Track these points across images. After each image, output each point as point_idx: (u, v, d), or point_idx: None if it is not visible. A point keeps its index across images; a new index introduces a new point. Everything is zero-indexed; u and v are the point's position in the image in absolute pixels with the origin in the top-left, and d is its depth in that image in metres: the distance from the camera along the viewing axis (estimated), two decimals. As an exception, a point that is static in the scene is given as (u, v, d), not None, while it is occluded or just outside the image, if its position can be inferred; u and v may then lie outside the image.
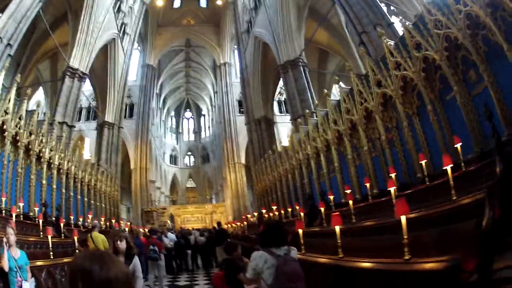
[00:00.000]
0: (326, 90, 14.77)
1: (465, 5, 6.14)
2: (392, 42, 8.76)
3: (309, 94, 20.78)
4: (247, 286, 4.44)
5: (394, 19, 14.32)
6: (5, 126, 9.88)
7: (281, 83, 28.33)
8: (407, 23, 8.09)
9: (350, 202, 8.96)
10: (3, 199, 8.99)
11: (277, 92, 31.04)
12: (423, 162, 7.24)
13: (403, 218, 4.01)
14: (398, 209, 4.15)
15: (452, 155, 6.14)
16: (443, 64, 6.82)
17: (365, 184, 9.41)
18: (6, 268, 4.91)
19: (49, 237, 7.31)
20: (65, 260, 7.86)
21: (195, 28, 43.77)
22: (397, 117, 8.71)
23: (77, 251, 8.41)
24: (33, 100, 26.51)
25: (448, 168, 5.71)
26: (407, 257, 3.93)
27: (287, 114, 34.77)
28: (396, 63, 8.19)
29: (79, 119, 36.19)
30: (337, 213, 5.60)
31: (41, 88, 30.08)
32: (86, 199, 16.15)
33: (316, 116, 13.68)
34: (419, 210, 5.31)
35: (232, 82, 40.87)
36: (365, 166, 10.09)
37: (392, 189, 6.92)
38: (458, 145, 6.22)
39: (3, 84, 10.07)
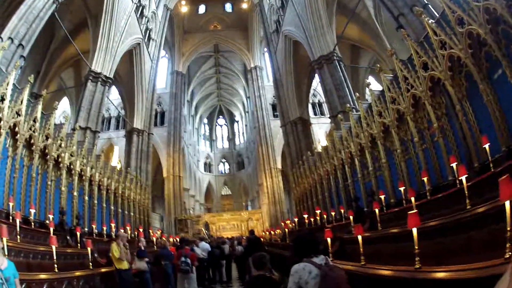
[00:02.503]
0: (367, 80, 13.53)
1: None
2: (432, 20, 8.02)
3: (346, 89, 19.70)
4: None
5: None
6: (17, 129, 9.17)
7: (314, 83, 27.61)
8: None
9: (412, 199, 7.73)
10: (11, 204, 8.16)
11: (310, 94, 29.95)
12: (486, 146, 6.18)
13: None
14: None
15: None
16: (488, 38, 6.15)
17: (423, 178, 8.17)
18: None
19: (53, 247, 6.31)
20: (77, 273, 6.88)
21: (222, 33, 43.51)
22: (447, 103, 7.82)
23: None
24: (59, 111, 26.49)
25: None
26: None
27: (322, 116, 34.34)
28: (441, 42, 7.43)
29: (109, 128, 36.65)
30: (415, 211, 4.69)
31: (65, 99, 30.30)
32: (112, 207, 15.32)
33: (357, 111, 12.45)
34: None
35: (264, 85, 40.46)
36: (414, 160, 9.17)
37: (463, 179, 5.87)
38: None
39: (14, 85, 9.35)
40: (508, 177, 3.40)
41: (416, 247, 4.16)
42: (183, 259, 10.38)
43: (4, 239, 5.33)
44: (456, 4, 6.89)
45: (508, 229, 3.22)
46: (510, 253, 3.17)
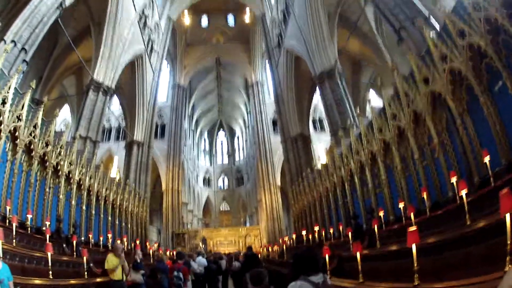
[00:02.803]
0: (368, 95, 13.58)
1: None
2: (433, 33, 8.09)
3: (347, 105, 19.67)
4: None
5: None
6: (17, 133, 9.13)
7: (315, 99, 27.63)
8: (446, 10, 7.49)
9: (412, 215, 7.61)
10: (8, 207, 8.09)
11: (311, 109, 30.01)
12: (486, 160, 6.07)
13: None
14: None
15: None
16: (488, 50, 6.07)
17: (423, 195, 8.07)
18: None
19: (49, 254, 6.27)
20: (72, 282, 6.80)
21: (224, 46, 43.78)
22: (447, 117, 7.71)
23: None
24: (60, 118, 26.53)
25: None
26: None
27: (322, 132, 34.30)
28: (442, 55, 7.31)
29: (109, 139, 36.74)
30: (414, 227, 4.64)
31: (66, 106, 30.34)
32: (110, 218, 15.17)
33: (358, 127, 12.43)
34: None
35: (265, 101, 40.63)
36: (414, 177, 9.02)
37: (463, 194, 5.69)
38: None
39: (16, 89, 9.35)
40: (509, 191, 3.40)
41: (415, 264, 4.19)
42: (175, 273, 10.26)
43: (0, 242, 5.29)
44: (457, 16, 6.89)
45: (509, 242, 3.19)
46: (510, 265, 3.13)
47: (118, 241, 12.68)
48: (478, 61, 6.51)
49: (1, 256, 5.14)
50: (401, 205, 8.85)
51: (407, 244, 4.33)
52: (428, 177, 8.39)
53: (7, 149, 8.86)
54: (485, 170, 6.15)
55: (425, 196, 7.91)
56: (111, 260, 7.58)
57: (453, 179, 6.78)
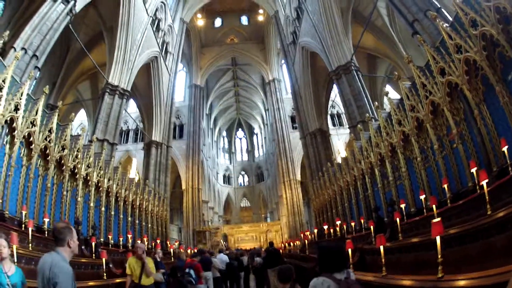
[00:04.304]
0: (385, 89, 13.33)
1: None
2: (447, 24, 7.79)
3: (365, 99, 19.42)
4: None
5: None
6: (31, 139, 9.20)
7: (332, 94, 27.49)
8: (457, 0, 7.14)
9: (434, 207, 7.30)
10: (24, 212, 8.13)
11: (329, 105, 29.74)
12: (505, 149, 5.99)
13: (438, 239, 4.12)
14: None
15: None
16: (500, 39, 6.00)
17: (443, 186, 7.85)
18: None
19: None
20: (90, 283, 6.73)
21: (239, 46, 43.80)
22: (465, 108, 7.60)
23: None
24: (77, 123, 26.82)
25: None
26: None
27: (341, 127, 34.15)
28: (456, 46, 7.24)
29: (127, 141, 37.08)
30: (439, 219, 4.43)
31: (82, 111, 30.82)
32: (129, 218, 15.28)
33: (376, 120, 12.20)
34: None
35: (282, 98, 40.47)
36: (434, 168, 8.88)
37: (484, 184, 5.60)
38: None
39: (29, 95, 9.40)
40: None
41: (439, 256, 4.06)
42: (187, 270, 10.07)
43: (14, 246, 5.28)
44: (468, 6, 6.73)
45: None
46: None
47: (139, 241, 12.67)
48: (491, 51, 6.40)
49: (15, 261, 5.12)
50: (422, 196, 8.66)
51: (432, 235, 4.19)
52: (447, 168, 8.22)
53: (22, 155, 8.92)
54: (503, 159, 6.06)
55: (446, 187, 7.70)
56: (132, 264, 7.18)
57: (473, 170, 6.63)
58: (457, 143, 7.75)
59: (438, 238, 4.09)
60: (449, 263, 4.38)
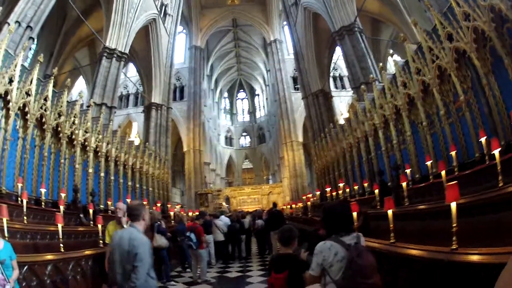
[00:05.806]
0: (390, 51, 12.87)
1: None
2: None
3: (369, 61, 18.96)
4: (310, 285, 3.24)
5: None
6: (27, 109, 9.05)
7: (335, 56, 27.24)
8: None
9: (443, 172, 7.01)
10: (20, 185, 7.98)
11: (331, 67, 29.17)
12: None
13: (453, 205, 3.77)
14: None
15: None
16: (509, 14, 5.95)
17: (451, 153, 7.56)
18: None
19: (59, 225, 6.03)
20: (86, 252, 6.51)
21: (240, 7, 42.45)
22: (472, 76, 7.40)
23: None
24: (76, 90, 26.49)
25: None
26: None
27: (343, 90, 33.74)
28: (465, 14, 7.11)
29: (127, 105, 36.80)
30: (455, 182, 4.06)
31: (81, 79, 30.58)
32: (130, 182, 15.16)
33: (380, 82, 11.82)
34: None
35: (284, 58, 39.65)
36: (439, 135, 8.70)
37: (496, 153, 5.38)
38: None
39: (23, 66, 9.11)
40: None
41: (455, 225, 3.71)
42: (187, 234, 9.98)
43: (4, 219, 5.12)
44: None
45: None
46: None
47: (120, 202, 12.49)
48: (500, 24, 6.25)
49: (6, 235, 4.96)
50: (428, 162, 8.45)
51: (446, 201, 3.88)
52: (454, 136, 8.04)
53: (17, 127, 8.83)
54: (510, 134, 5.97)
55: (453, 154, 7.42)
56: (111, 231, 6.30)
57: (482, 139, 6.46)
58: (464, 111, 7.54)
59: (453, 204, 3.75)
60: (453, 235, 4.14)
